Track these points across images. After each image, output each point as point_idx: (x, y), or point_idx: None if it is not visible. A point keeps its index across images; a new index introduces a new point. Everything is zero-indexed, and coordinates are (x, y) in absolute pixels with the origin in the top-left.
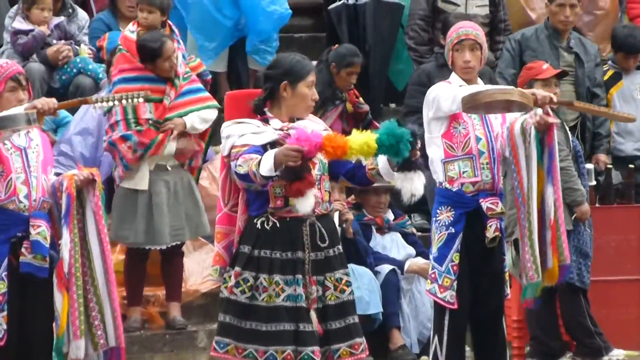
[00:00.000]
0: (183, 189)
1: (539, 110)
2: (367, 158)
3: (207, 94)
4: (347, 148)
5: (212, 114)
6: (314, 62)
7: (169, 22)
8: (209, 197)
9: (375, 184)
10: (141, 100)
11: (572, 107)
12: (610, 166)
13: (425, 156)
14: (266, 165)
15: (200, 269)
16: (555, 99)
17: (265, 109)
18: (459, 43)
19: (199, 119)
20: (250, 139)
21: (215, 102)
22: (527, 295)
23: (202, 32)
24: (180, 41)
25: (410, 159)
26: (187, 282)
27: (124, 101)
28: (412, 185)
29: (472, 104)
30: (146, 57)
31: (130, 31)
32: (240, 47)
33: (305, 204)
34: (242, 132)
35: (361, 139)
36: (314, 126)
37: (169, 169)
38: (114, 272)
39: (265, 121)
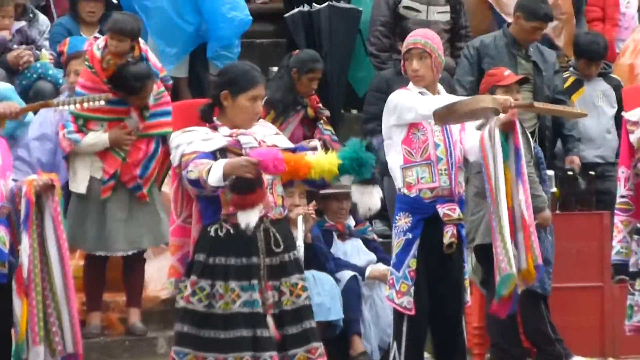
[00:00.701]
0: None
1: (502, 115)
2: (328, 178)
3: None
4: (309, 169)
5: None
6: (276, 68)
7: (141, 44)
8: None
9: (336, 190)
10: (102, 103)
11: (532, 109)
12: (570, 173)
13: (384, 163)
14: (215, 174)
15: (161, 276)
16: (514, 103)
17: (215, 117)
18: (407, 52)
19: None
20: (199, 146)
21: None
22: (502, 291)
23: (163, 38)
24: (150, 58)
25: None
26: (147, 289)
27: (85, 104)
28: (371, 199)
29: (449, 116)
30: (122, 88)
31: (97, 48)
32: (201, 53)
33: (248, 219)
34: (191, 139)
35: (324, 161)
36: (264, 131)
37: None
38: (73, 277)
39: (214, 129)
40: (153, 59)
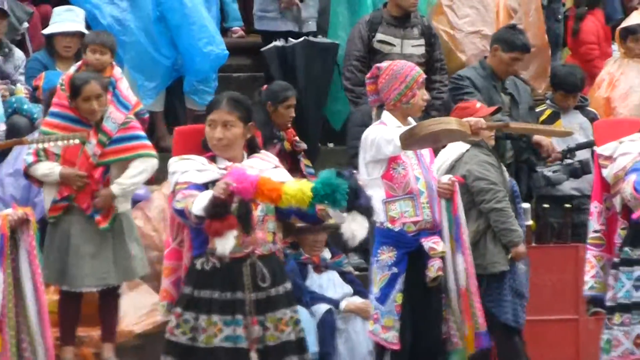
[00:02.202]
0: (106, 229)
1: (444, 178)
2: (302, 205)
3: (141, 141)
4: (281, 193)
5: (145, 164)
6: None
7: (116, 72)
8: (144, 237)
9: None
10: (77, 142)
11: (508, 129)
12: (546, 206)
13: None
14: (199, 204)
15: (135, 310)
16: (486, 124)
17: None
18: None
19: (128, 178)
20: (192, 177)
21: (148, 151)
22: None
23: (141, 72)
24: (120, 88)
25: (361, 202)
26: (121, 323)
27: (59, 142)
28: (356, 231)
29: (411, 140)
30: (69, 93)
31: (74, 70)
32: (177, 87)
33: (223, 245)
34: (186, 169)
35: (297, 186)
36: (262, 165)
37: None
38: (48, 312)
39: (212, 159)
40: (124, 91)
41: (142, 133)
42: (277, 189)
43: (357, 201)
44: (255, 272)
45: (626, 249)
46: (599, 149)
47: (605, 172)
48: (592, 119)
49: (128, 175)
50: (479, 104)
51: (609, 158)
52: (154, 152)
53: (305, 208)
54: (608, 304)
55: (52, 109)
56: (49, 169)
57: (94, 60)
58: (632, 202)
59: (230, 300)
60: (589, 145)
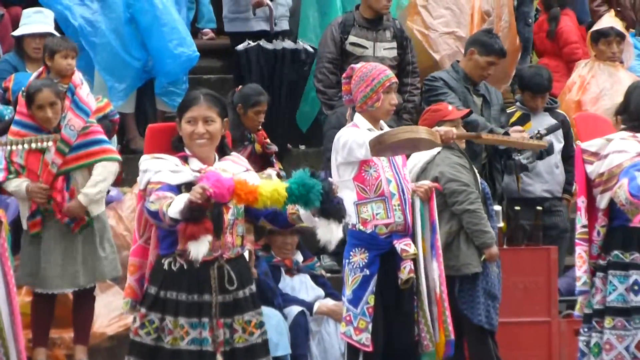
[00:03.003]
0: (80, 234)
1: (426, 182)
2: (277, 206)
3: (102, 146)
4: (257, 194)
5: (107, 169)
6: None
7: (75, 78)
8: (117, 237)
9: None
10: (50, 144)
11: (480, 140)
12: (518, 208)
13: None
14: (175, 207)
15: (107, 311)
16: (457, 134)
17: (186, 148)
18: (388, 86)
19: (92, 186)
20: (165, 177)
21: (111, 154)
22: None
23: (111, 74)
24: (79, 94)
25: (333, 205)
26: (94, 325)
27: (33, 144)
28: (331, 235)
29: (379, 147)
30: (25, 101)
31: (34, 76)
32: (148, 89)
33: (197, 249)
34: (159, 168)
35: (272, 187)
36: (234, 168)
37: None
38: (20, 314)
39: (184, 159)
40: (84, 97)
41: (103, 137)
42: (253, 192)
43: (330, 204)
44: (223, 275)
45: (616, 252)
46: (583, 145)
47: (590, 169)
48: (562, 121)
49: (92, 184)
50: (450, 107)
51: (596, 154)
52: (116, 155)
53: (279, 208)
54: (596, 307)
55: (16, 117)
56: (16, 185)
57: (66, 66)
58: (627, 207)
59: (197, 303)
60: (557, 128)
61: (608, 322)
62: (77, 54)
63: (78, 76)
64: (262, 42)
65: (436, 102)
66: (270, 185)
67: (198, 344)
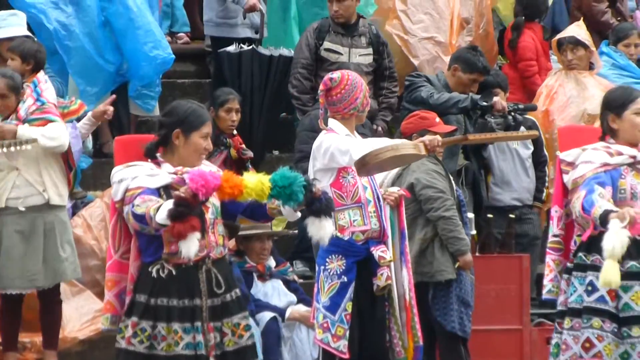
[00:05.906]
0: (39, 233)
1: (393, 189)
2: (261, 199)
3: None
4: (242, 187)
5: (56, 129)
6: None
7: (38, 76)
8: (82, 245)
9: (258, 231)
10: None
11: (467, 142)
12: (490, 216)
13: None
14: (162, 213)
15: (79, 315)
16: (441, 141)
17: (158, 154)
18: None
19: (37, 132)
20: (144, 181)
21: (57, 118)
22: None
23: (84, 77)
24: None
25: (318, 202)
26: (65, 329)
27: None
28: (322, 232)
29: (364, 168)
30: None
31: None
32: (122, 92)
33: (188, 248)
34: (135, 174)
35: (256, 179)
36: (205, 170)
37: (23, 209)
38: None
39: (158, 165)
40: (44, 91)
41: (57, 117)
42: (238, 185)
43: (318, 202)
44: (211, 279)
45: (580, 254)
46: (561, 155)
47: (566, 178)
48: (529, 127)
49: (40, 130)
50: (437, 119)
51: (571, 164)
52: (66, 133)
53: (263, 201)
54: (559, 308)
55: None
56: None
57: (9, 64)
58: (579, 220)
59: (189, 307)
60: (532, 108)
61: (567, 323)
62: (18, 55)
63: (41, 76)
64: (259, 48)
65: (415, 92)
66: (254, 177)
67: (192, 348)
